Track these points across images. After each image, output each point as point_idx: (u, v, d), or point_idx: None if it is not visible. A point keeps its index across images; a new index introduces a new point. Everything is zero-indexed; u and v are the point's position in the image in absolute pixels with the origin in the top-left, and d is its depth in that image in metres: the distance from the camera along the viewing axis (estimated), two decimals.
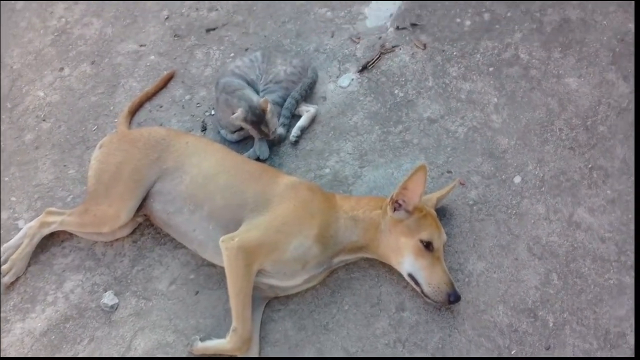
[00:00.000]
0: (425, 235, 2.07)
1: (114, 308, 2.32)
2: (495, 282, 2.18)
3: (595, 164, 2.39)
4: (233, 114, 2.51)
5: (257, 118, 2.50)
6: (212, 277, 2.34)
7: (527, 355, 2.04)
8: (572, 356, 2.03)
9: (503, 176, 2.42)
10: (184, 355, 2.17)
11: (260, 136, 2.57)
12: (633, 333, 2.01)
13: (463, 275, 2.21)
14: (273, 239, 2.10)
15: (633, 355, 2.00)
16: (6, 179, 2.77)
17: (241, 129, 2.61)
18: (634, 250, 2.16)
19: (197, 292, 2.32)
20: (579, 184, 2.35)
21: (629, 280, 2.11)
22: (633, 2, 2.81)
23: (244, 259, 2.05)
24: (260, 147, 2.61)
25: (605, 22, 2.79)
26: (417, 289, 2.11)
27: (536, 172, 2.40)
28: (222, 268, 2.10)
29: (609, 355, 2.01)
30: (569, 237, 2.23)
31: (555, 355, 2.03)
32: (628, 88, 2.57)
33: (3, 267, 2.41)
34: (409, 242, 2.09)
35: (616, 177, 2.34)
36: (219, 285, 2.30)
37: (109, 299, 2.34)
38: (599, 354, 2.02)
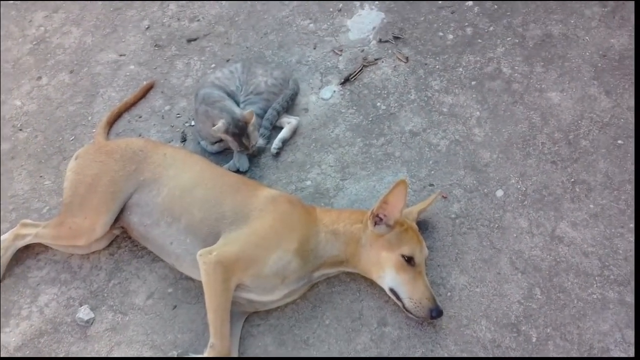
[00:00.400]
0: (406, 250, 2.05)
1: (89, 323, 2.26)
2: (477, 296, 2.15)
3: (578, 178, 2.39)
4: (213, 125, 2.47)
5: (239, 130, 2.47)
6: (191, 291, 2.29)
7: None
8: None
9: (485, 190, 2.40)
10: None
11: (240, 149, 2.53)
12: (617, 348, 2.00)
13: (445, 289, 2.18)
14: (252, 253, 2.06)
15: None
16: None
17: (221, 140, 2.57)
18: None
19: (175, 307, 2.27)
20: (562, 198, 2.34)
21: (612, 294, 2.10)
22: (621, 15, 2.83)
23: (222, 273, 2.01)
24: (239, 159, 2.57)
25: (587, 38, 2.81)
26: (399, 303, 2.08)
27: (518, 186, 2.40)
28: (201, 282, 2.06)
29: None
30: (552, 251, 2.22)
31: None
32: (610, 103, 2.58)
33: None
34: (390, 256, 2.06)
35: (599, 191, 2.34)
36: (198, 299, 2.25)
37: (84, 313, 2.28)
38: None
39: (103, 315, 2.28)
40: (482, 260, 2.23)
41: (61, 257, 2.44)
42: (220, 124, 2.44)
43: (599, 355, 2.00)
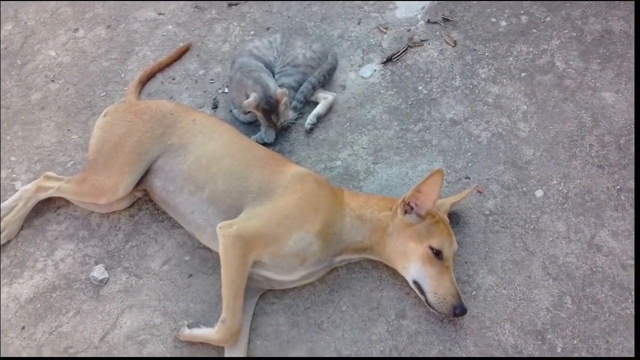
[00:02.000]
0: (435, 243, 1.95)
1: (103, 282, 2.23)
2: (504, 298, 2.04)
3: (625, 185, 2.24)
4: (246, 95, 2.40)
5: (270, 107, 2.40)
6: (208, 261, 2.23)
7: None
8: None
9: (524, 188, 2.28)
10: (170, 340, 2.07)
11: (267, 124, 2.45)
12: None
13: (471, 288, 2.08)
14: (273, 231, 1.99)
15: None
16: (8, 137, 2.68)
17: None
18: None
19: (190, 275, 2.21)
20: (605, 205, 2.21)
21: None
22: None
23: (240, 248, 1.95)
24: (266, 131, 2.50)
25: None
26: (422, 297, 1.98)
27: (560, 188, 2.26)
28: (218, 254, 1.99)
29: None
30: (588, 259, 2.10)
31: None
32: None
33: None
34: (417, 247, 1.96)
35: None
36: (214, 270, 2.20)
37: (99, 272, 2.24)
38: None
39: (117, 276, 2.24)
40: (513, 261, 2.12)
41: (81, 214, 2.40)
42: (252, 98, 2.37)
43: None
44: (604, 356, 1.92)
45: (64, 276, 2.26)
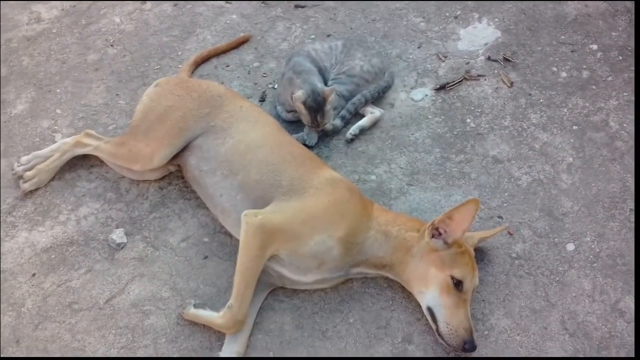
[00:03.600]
0: (458, 273, 1.90)
1: (120, 246, 2.23)
2: (516, 344, 1.98)
3: None
4: (292, 93, 2.40)
5: (316, 105, 2.40)
6: (226, 246, 2.22)
7: None
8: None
9: (556, 239, 2.22)
10: (174, 316, 2.05)
11: (311, 124, 2.45)
12: None
13: (484, 327, 2.02)
14: (296, 228, 1.97)
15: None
16: (58, 90, 2.73)
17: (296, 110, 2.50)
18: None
19: (206, 257, 2.21)
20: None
21: None
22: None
23: (261, 239, 1.93)
24: (309, 133, 2.50)
25: None
26: (433, 325, 1.94)
27: (593, 246, 2.20)
28: (238, 241, 1.98)
29: None
30: (609, 322, 2.02)
31: None
32: None
33: (27, 173, 2.36)
34: (438, 274, 1.92)
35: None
36: (230, 256, 2.18)
37: (118, 236, 2.25)
38: None
39: (135, 243, 2.24)
40: (532, 309, 2.06)
41: (113, 176, 2.42)
42: (300, 93, 2.37)
43: None
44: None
45: (83, 233, 2.28)
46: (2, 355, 1.99)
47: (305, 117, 2.44)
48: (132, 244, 2.24)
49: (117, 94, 2.71)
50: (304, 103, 2.39)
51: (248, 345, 1.99)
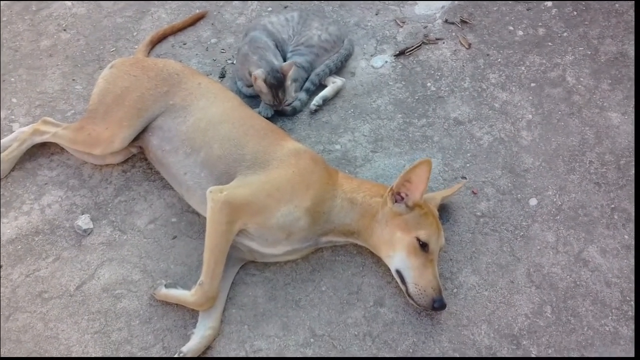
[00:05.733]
0: (422, 234, 1.93)
1: (87, 232, 2.21)
2: (484, 299, 2.03)
3: (619, 205, 2.23)
4: (248, 70, 2.38)
5: (277, 81, 2.38)
6: (194, 225, 2.22)
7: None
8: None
9: (519, 195, 2.27)
10: (145, 297, 2.05)
11: (272, 102, 2.43)
12: None
13: (452, 285, 2.07)
14: (262, 201, 1.97)
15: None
16: (12, 79, 2.67)
17: None
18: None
19: (174, 237, 2.20)
20: (597, 221, 2.19)
21: (626, 331, 1.96)
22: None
23: (227, 214, 1.93)
24: (264, 107, 2.49)
25: None
26: (402, 287, 1.97)
27: (555, 199, 2.25)
28: (205, 219, 1.98)
29: None
30: (574, 272, 2.08)
31: None
32: None
33: None
34: (404, 237, 1.95)
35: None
36: (199, 235, 2.18)
37: (84, 222, 2.23)
38: None
39: (102, 228, 2.23)
40: (498, 265, 2.11)
41: (74, 163, 2.39)
42: (260, 71, 2.36)
43: None
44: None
45: (48, 221, 2.25)
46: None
47: (266, 95, 2.42)
48: (99, 229, 2.23)
49: (73, 79, 2.66)
50: (265, 81, 2.37)
51: (222, 320, 2.00)
